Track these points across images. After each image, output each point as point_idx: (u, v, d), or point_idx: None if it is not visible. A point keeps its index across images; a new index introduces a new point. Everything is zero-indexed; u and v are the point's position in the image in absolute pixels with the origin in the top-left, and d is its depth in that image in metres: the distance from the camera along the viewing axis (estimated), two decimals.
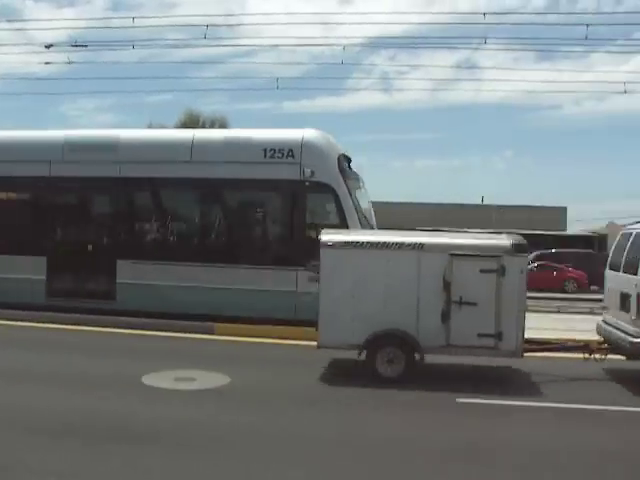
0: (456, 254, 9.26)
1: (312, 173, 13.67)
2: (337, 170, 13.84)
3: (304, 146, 13.85)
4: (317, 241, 13.71)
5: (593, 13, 79.32)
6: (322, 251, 9.77)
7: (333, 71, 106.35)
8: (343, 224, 13.64)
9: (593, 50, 60.02)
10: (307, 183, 13.74)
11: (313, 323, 13.06)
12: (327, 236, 10.02)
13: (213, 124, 50.26)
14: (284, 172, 13.78)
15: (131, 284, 14.30)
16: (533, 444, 6.78)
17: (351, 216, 13.67)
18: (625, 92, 22.86)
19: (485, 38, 23.86)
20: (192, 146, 14.38)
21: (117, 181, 14.57)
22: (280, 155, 13.87)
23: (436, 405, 8.39)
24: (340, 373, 10.17)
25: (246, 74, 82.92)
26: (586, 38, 20.14)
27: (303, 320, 13.27)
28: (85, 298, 14.60)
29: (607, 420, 8.00)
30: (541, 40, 30.08)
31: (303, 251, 13.73)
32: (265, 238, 14.58)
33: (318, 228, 13.86)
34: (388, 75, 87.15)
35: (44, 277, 14.84)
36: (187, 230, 15.35)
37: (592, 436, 7.28)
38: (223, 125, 49.03)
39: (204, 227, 14.96)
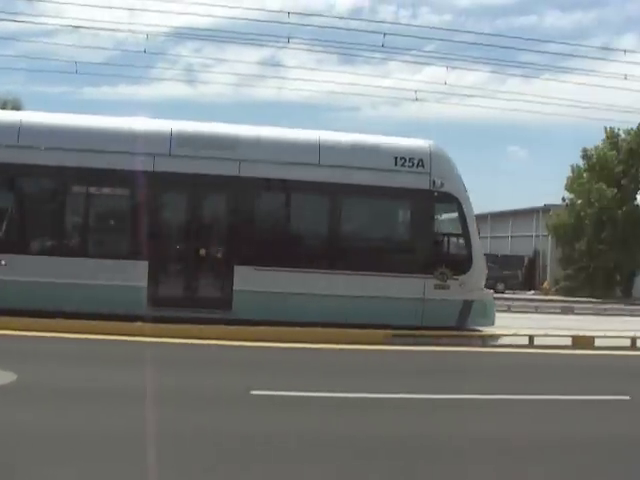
0: None
1: (441, 184, 14.23)
2: (460, 181, 14.58)
3: (433, 157, 14.34)
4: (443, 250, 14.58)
5: (391, 23, 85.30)
6: None
7: (136, 59, 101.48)
8: (466, 234, 14.50)
9: (390, 58, 64.83)
10: (436, 193, 14.26)
11: (438, 328, 13.88)
12: None
13: (5, 105, 45.07)
14: (415, 181, 14.12)
15: (251, 292, 13.43)
16: None
17: (473, 226, 14.54)
18: (417, 100, 25.27)
19: (289, 37, 25.02)
20: (320, 148, 13.96)
21: (237, 180, 13.52)
22: (410, 164, 14.17)
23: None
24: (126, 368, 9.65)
25: (44, 55, 74.98)
26: (383, 46, 21.64)
27: (429, 326, 13.92)
28: (193, 307, 13.33)
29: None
30: (343, 44, 32.09)
31: (431, 259, 14.32)
32: (394, 246, 14.65)
33: (443, 237, 14.62)
34: (193, 67, 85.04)
35: (145, 284, 13.19)
36: (313, 236, 14.69)
37: None
38: (16, 107, 44.41)
39: (331, 233, 14.45)
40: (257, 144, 13.88)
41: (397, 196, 14.25)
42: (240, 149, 13.59)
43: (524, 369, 11.44)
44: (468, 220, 14.47)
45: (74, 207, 13.92)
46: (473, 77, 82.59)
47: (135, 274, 13.09)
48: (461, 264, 14.40)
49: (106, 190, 14.05)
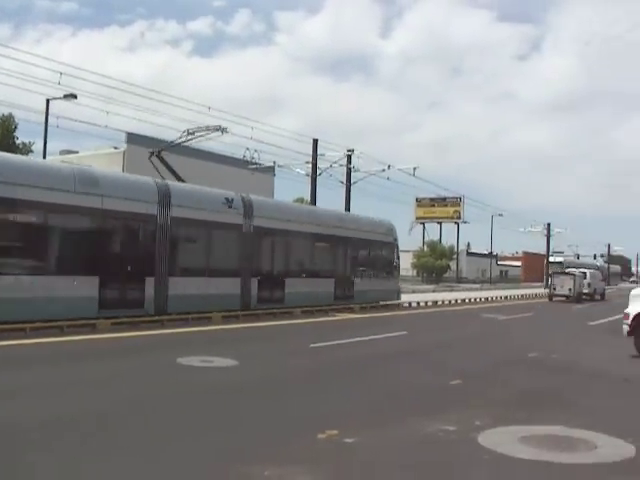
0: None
1: (395, 239, 32.61)
2: (397, 235, 33.14)
3: (392, 227, 32.73)
4: (393, 266, 33.00)
5: None
6: None
7: None
8: (397, 259, 33.22)
9: None
10: (394, 242, 32.59)
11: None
12: None
13: None
14: (389, 238, 32.08)
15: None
16: None
17: (398, 254, 33.27)
18: None
19: None
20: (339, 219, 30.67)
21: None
22: (388, 230, 32.07)
23: None
24: None
25: None
26: None
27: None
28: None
29: None
30: None
31: (391, 270, 32.59)
32: (379, 265, 31.97)
33: (393, 261, 33.03)
34: None
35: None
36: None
37: None
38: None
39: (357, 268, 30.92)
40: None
41: (384, 244, 31.86)
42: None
43: None
44: (398, 252, 33.19)
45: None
46: None
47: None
48: (397, 272, 33.09)
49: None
